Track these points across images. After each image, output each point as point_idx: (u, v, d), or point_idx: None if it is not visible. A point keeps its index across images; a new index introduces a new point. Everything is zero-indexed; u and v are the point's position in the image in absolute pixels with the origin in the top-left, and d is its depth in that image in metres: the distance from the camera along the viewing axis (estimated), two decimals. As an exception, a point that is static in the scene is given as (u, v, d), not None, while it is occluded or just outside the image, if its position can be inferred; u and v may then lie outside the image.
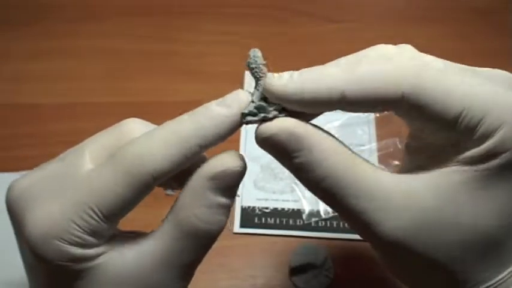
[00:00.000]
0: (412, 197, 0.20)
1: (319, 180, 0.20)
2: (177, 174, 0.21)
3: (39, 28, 0.52)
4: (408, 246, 0.20)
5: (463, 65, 0.21)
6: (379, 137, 0.45)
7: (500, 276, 0.21)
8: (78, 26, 0.53)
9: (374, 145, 0.45)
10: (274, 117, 0.20)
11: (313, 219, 0.41)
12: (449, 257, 0.20)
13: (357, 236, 0.40)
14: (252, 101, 0.21)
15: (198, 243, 0.21)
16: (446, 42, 0.52)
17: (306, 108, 0.20)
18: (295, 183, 0.43)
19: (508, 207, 0.20)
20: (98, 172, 0.20)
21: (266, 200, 0.42)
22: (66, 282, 0.20)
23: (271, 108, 0.20)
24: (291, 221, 0.41)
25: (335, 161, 0.20)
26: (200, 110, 0.21)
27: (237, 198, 0.42)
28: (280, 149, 0.20)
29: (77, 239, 0.19)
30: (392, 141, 0.45)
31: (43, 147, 0.44)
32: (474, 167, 0.19)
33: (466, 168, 0.20)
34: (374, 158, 0.44)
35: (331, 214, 0.41)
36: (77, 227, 0.19)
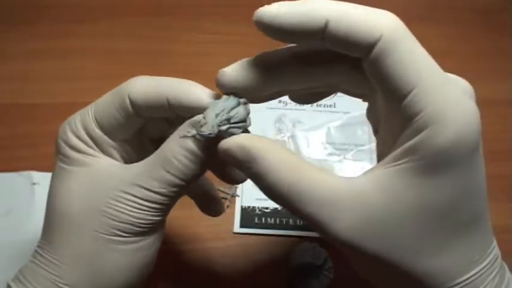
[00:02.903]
0: (359, 196, 0.21)
1: (270, 189, 0.21)
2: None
3: (39, 28, 0.52)
4: (361, 245, 0.21)
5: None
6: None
7: (467, 275, 0.21)
8: (78, 26, 0.53)
9: (374, 145, 0.45)
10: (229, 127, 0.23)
11: (313, 219, 0.41)
12: (402, 254, 0.21)
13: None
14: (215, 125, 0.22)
15: (168, 180, 0.24)
16: (446, 42, 0.53)
17: (290, 36, 0.21)
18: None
19: (454, 197, 0.20)
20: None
21: (266, 200, 0.42)
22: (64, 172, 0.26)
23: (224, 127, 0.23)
24: (291, 221, 0.41)
25: (283, 169, 0.21)
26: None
27: (237, 198, 0.42)
28: (235, 161, 0.22)
29: (77, 132, 0.26)
30: (392, 141, 0.45)
31: (43, 147, 0.44)
32: (411, 158, 0.20)
33: (405, 159, 0.20)
34: (374, 158, 0.44)
35: (331, 214, 0.41)
36: (80, 125, 0.26)
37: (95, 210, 0.24)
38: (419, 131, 0.20)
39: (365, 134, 0.46)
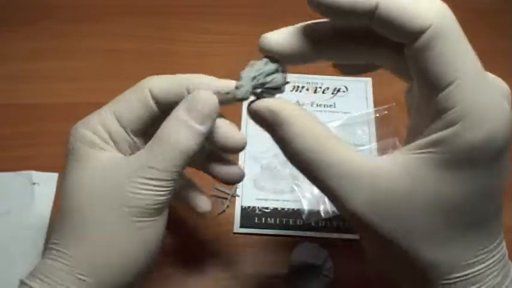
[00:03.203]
0: (379, 176, 0.21)
1: (294, 154, 0.22)
2: None
3: (39, 28, 0.52)
4: (375, 224, 0.21)
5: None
6: (379, 137, 0.45)
7: (467, 271, 0.21)
8: (78, 26, 0.53)
9: (374, 145, 0.45)
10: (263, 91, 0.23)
11: (313, 219, 0.41)
12: (412, 239, 0.21)
13: (357, 236, 0.40)
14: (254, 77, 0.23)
15: (174, 157, 0.25)
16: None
17: (340, 14, 0.21)
18: (295, 183, 0.43)
19: (471, 194, 0.21)
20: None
21: (266, 200, 0.42)
22: (77, 162, 0.27)
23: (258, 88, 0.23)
24: (291, 221, 0.41)
25: (309, 138, 0.21)
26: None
27: (237, 198, 0.42)
28: (264, 124, 0.23)
29: (94, 128, 0.28)
30: (392, 141, 0.45)
31: (43, 147, 0.44)
32: (437, 149, 0.20)
33: (431, 150, 0.20)
34: (374, 158, 0.44)
35: (331, 214, 0.41)
36: (97, 122, 0.28)
37: (111, 200, 0.25)
38: (450, 124, 0.20)
39: (365, 134, 0.46)
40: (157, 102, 0.28)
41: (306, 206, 0.41)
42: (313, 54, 0.23)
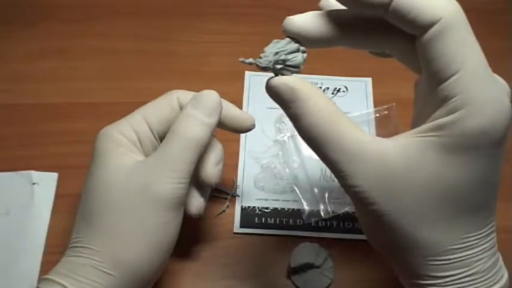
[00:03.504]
0: (384, 156, 0.22)
1: (305, 130, 0.23)
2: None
3: (39, 28, 0.52)
4: (376, 202, 0.23)
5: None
6: (379, 137, 0.45)
7: (459, 254, 0.23)
8: (78, 26, 0.53)
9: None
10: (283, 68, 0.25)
11: (313, 219, 0.41)
12: (409, 218, 0.22)
13: (356, 236, 0.41)
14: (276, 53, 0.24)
15: (184, 146, 0.29)
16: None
17: (357, 4, 0.22)
18: (295, 184, 0.43)
19: (468, 180, 0.22)
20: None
21: (266, 200, 0.42)
22: (104, 160, 0.29)
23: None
24: (291, 221, 0.41)
25: (322, 115, 0.23)
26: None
27: (237, 198, 0.42)
28: (280, 99, 0.24)
29: (124, 131, 0.31)
30: (392, 141, 0.45)
31: (43, 147, 0.44)
32: (438, 133, 0.22)
33: (433, 134, 0.22)
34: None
35: (331, 214, 0.41)
36: (128, 125, 0.31)
37: (137, 196, 0.28)
38: (452, 111, 0.21)
39: (365, 134, 0.46)
40: (182, 107, 0.32)
41: (306, 206, 0.41)
42: (335, 38, 0.24)
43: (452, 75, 0.21)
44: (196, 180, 0.33)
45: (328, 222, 0.41)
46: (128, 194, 0.28)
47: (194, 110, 0.30)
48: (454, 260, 0.23)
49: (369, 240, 0.26)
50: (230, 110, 0.34)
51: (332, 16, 0.24)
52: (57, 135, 0.45)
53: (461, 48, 0.21)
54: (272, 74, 0.25)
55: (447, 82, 0.21)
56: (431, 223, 0.23)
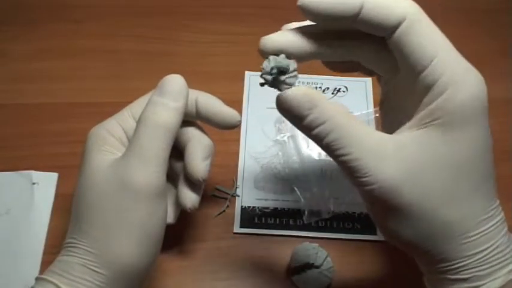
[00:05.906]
0: (400, 149, 0.24)
1: (326, 134, 0.24)
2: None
3: (39, 28, 0.52)
4: (398, 192, 0.24)
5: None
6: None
7: (483, 228, 0.24)
8: (78, 26, 0.53)
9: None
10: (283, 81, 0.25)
11: (313, 219, 0.41)
12: (432, 202, 0.24)
13: (356, 236, 0.41)
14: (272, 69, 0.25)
15: (152, 134, 0.28)
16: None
17: (328, 19, 0.24)
18: (295, 184, 0.43)
19: (469, 151, 0.24)
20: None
21: (266, 200, 0.42)
22: (94, 155, 0.30)
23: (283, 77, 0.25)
24: (291, 221, 0.41)
25: (340, 116, 0.24)
26: None
27: (237, 198, 0.42)
28: (298, 109, 0.24)
29: (112, 130, 0.31)
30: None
31: (43, 147, 0.44)
32: (435, 116, 0.23)
33: (431, 118, 0.23)
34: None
35: (331, 214, 0.41)
36: (116, 123, 0.32)
37: (118, 193, 0.28)
38: (440, 93, 0.23)
39: (365, 134, 0.46)
40: None
41: (306, 206, 0.41)
42: (313, 50, 0.26)
43: (430, 63, 0.23)
44: (186, 176, 0.33)
45: (328, 222, 0.41)
46: (108, 191, 0.28)
47: (159, 97, 0.29)
48: (482, 233, 0.24)
49: (388, 239, 0.26)
50: (214, 105, 0.34)
51: (303, 31, 0.26)
52: (57, 135, 0.45)
53: (432, 36, 0.24)
54: (274, 90, 0.25)
55: (428, 69, 0.23)
56: (457, 200, 0.24)
